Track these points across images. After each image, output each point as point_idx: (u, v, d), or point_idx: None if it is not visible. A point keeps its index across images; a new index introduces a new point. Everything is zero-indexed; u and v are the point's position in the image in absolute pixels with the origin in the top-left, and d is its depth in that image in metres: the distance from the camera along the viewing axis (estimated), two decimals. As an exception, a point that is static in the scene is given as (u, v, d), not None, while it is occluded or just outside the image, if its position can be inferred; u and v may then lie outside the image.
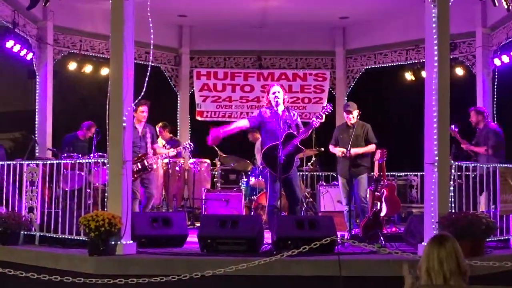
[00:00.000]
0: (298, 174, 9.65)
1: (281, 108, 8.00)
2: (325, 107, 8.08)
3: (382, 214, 8.20)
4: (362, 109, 8.64)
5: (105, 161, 7.11)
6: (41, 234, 7.56)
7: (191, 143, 9.80)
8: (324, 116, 8.06)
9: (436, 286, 3.29)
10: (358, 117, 8.66)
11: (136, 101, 7.33)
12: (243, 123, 8.26)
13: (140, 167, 8.66)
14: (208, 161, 11.14)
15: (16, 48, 9.76)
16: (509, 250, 7.32)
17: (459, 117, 9.21)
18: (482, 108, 9.33)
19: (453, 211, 6.86)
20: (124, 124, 6.94)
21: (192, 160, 10.71)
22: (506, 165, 7.76)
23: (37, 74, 10.93)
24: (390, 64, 12.49)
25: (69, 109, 13.63)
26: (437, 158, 6.83)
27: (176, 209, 10.31)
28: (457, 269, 3.28)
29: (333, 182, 11.09)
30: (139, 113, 8.76)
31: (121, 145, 6.90)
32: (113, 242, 6.61)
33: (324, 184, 10.83)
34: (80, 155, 9.03)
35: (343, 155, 8.47)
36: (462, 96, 9.84)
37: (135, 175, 8.57)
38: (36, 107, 10.96)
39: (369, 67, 12.72)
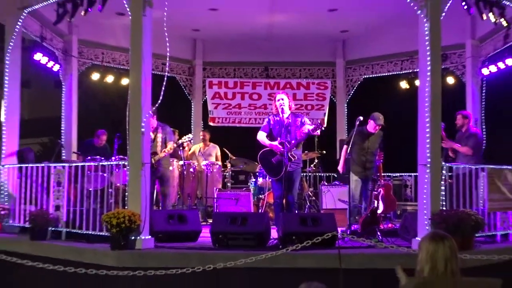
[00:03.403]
0: (302, 174, 9.67)
1: (286, 114, 8.06)
2: (318, 127, 7.90)
3: (379, 211, 8.20)
4: (360, 115, 8.63)
5: (126, 163, 7.17)
6: (67, 230, 7.59)
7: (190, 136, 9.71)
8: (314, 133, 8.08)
9: (439, 277, 3.31)
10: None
11: (154, 108, 7.37)
12: (263, 135, 8.19)
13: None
14: (219, 163, 11.18)
15: (44, 60, 9.83)
16: (496, 244, 7.30)
17: (449, 122, 9.20)
18: (468, 113, 9.28)
19: (445, 208, 6.86)
20: (143, 130, 6.98)
21: (205, 162, 10.75)
22: (493, 166, 7.74)
23: (63, 84, 10.98)
24: (386, 74, 12.47)
25: (93, 115, 13.71)
26: (429, 160, 6.83)
27: (190, 207, 10.32)
28: (457, 268, 3.33)
29: (334, 182, 11.10)
30: None
31: (140, 148, 6.94)
32: (133, 238, 6.65)
33: (326, 184, 10.81)
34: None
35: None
36: (452, 103, 9.83)
37: None
38: (62, 114, 11.00)
39: (367, 76, 12.71)
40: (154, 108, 8.20)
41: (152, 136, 8.68)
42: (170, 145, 8.85)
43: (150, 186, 8.46)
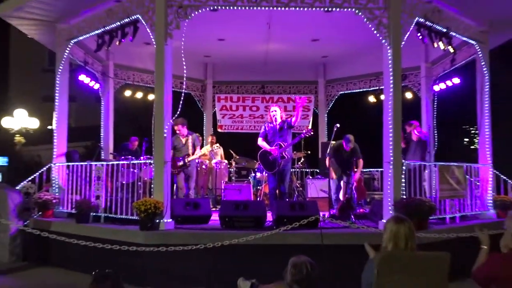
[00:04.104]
0: (292, 170, 9.67)
1: (278, 122, 8.12)
2: (307, 131, 8.22)
3: (353, 199, 8.21)
4: (338, 123, 8.61)
5: (151, 161, 7.16)
6: (105, 215, 7.61)
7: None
8: (304, 137, 8.20)
9: (400, 251, 3.31)
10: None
11: (174, 118, 7.36)
12: (261, 140, 8.25)
13: (182, 163, 8.76)
14: (226, 161, 11.17)
15: (87, 80, 9.81)
16: (445, 225, 7.32)
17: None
18: (412, 121, 9.26)
19: (404, 197, 6.85)
20: (165, 135, 6.98)
21: (215, 161, 10.75)
22: (443, 163, 7.75)
23: (102, 99, 10.97)
24: (358, 90, 12.46)
25: (125, 124, 13.66)
26: (392, 158, 6.84)
27: (203, 196, 10.31)
28: (415, 244, 3.33)
29: (317, 176, 11.08)
30: (176, 130, 8.84)
31: (163, 150, 6.94)
32: (157, 221, 6.65)
33: (310, 177, 10.80)
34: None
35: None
36: (411, 113, 9.82)
37: (179, 169, 8.85)
38: (101, 123, 10.99)
39: (343, 92, 12.69)
40: (184, 119, 8.72)
41: (184, 141, 8.98)
42: (198, 152, 9.06)
43: (178, 179, 8.71)
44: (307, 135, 8.16)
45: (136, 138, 10.55)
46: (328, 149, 8.70)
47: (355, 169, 8.60)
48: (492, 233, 3.60)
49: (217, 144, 10.61)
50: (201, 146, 9.64)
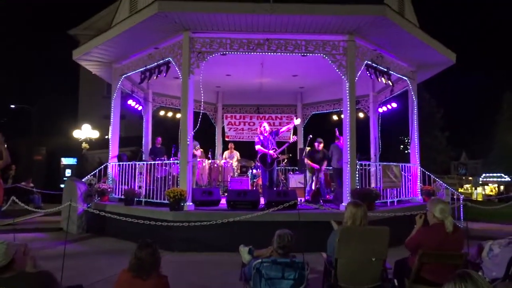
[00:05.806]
0: (278, 168, 9.65)
1: (267, 133, 8.07)
2: (293, 139, 8.29)
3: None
4: (310, 134, 8.62)
5: (178, 161, 7.14)
6: (145, 199, 7.58)
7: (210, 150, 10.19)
8: (286, 147, 8.19)
9: (355, 226, 3.30)
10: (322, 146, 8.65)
11: (194, 130, 7.36)
12: (259, 146, 8.13)
13: None
14: (231, 161, 11.14)
15: (133, 103, 9.80)
16: (386, 207, 7.32)
17: (358, 138, 9.13)
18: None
19: (358, 187, 6.86)
20: (188, 143, 6.97)
21: (223, 161, 10.73)
22: (385, 163, 7.77)
23: (143, 117, 10.95)
24: (325, 111, 12.49)
25: (159, 135, 13.59)
26: (349, 159, 6.85)
27: (215, 186, 10.26)
28: (367, 222, 3.33)
29: (296, 172, 11.06)
30: None
31: (186, 153, 6.93)
32: (182, 204, 6.63)
33: (291, 173, 10.77)
34: (163, 157, 9.09)
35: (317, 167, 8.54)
36: (362, 129, 9.82)
37: None
38: (143, 134, 10.97)
39: (314, 112, 12.72)
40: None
41: None
42: (197, 154, 9.15)
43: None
44: (293, 141, 8.23)
45: (160, 138, 10.46)
46: (304, 153, 8.67)
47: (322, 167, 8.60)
48: (421, 213, 3.63)
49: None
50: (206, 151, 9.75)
